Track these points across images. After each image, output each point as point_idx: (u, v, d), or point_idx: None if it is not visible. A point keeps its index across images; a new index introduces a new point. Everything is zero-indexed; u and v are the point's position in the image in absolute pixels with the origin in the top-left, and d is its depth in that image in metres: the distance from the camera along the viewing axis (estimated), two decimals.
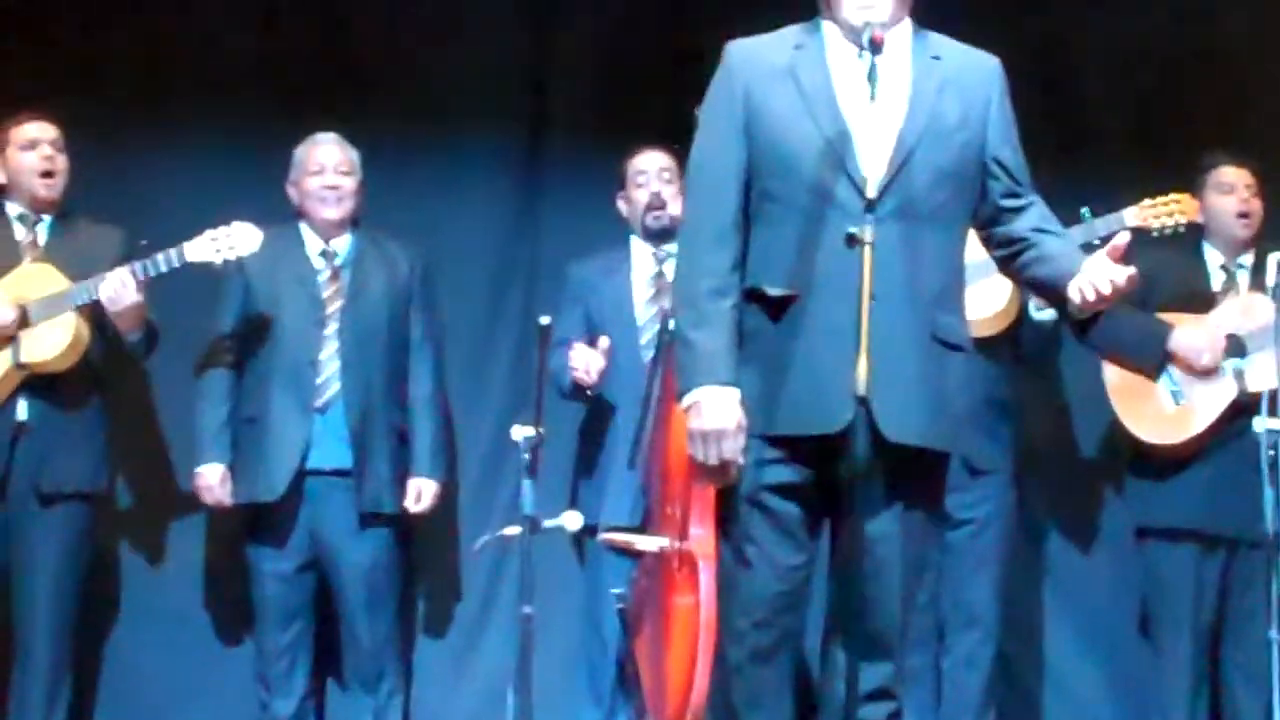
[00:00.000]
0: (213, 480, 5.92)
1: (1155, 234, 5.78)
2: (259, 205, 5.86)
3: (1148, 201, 5.78)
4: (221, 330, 5.98)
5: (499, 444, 6.06)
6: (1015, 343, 5.97)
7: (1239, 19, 6.59)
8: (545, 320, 5.25)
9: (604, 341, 5.76)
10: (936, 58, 3.89)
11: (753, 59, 3.90)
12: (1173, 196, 5.81)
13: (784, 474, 3.79)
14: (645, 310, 5.87)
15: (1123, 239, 3.75)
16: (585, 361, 5.73)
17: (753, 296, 3.81)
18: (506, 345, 6.54)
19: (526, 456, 5.12)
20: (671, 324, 4.41)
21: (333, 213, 5.99)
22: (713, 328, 3.77)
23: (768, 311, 3.79)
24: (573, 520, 5.25)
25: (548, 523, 5.15)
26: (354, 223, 6.09)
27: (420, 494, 6.00)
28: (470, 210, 6.58)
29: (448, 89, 6.56)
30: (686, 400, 3.76)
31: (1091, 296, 3.73)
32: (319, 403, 5.88)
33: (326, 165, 6.02)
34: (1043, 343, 5.99)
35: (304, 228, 6.05)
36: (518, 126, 6.68)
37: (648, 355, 5.67)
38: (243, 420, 5.93)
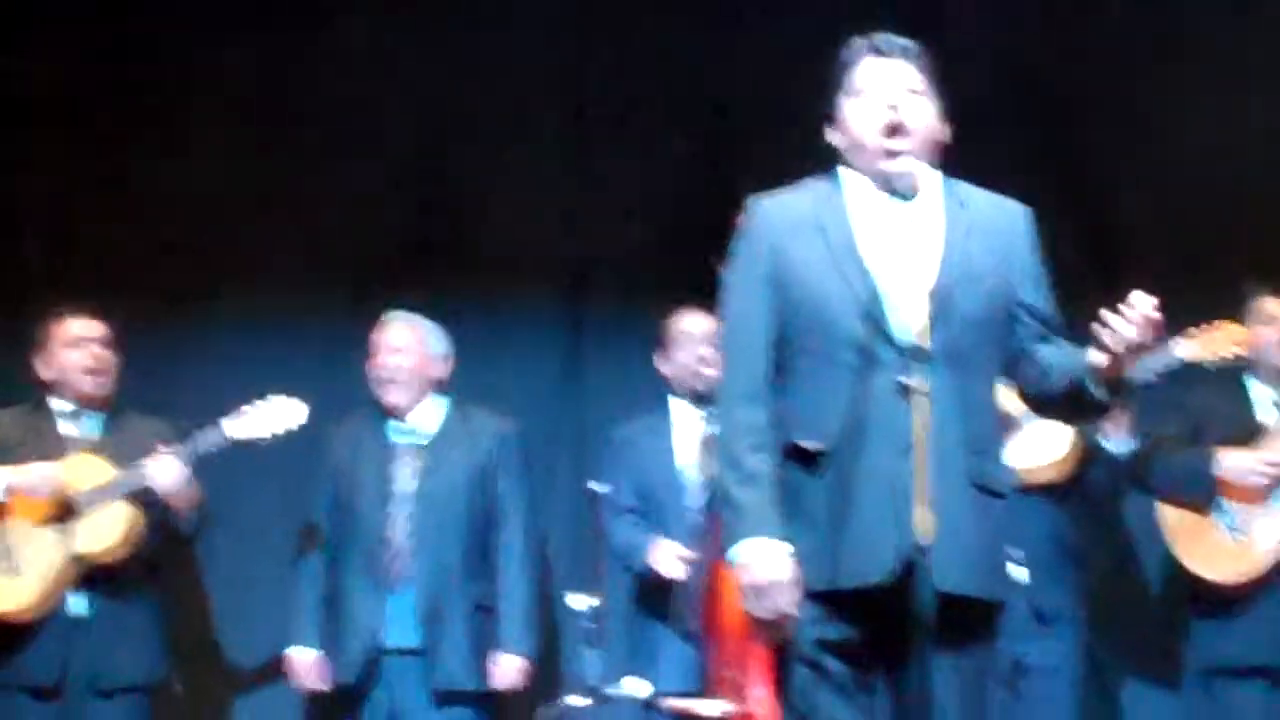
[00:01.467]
0: (300, 666, 5.95)
1: (1207, 364, 5.67)
2: (314, 385, 5.91)
3: (1195, 331, 5.63)
4: (313, 514, 6.04)
5: (556, 611, 6.03)
6: (1080, 487, 5.93)
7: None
8: (597, 487, 5.24)
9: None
10: (964, 205, 3.89)
11: (778, 214, 3.90)
12: (1222, 325, 5.66)
13: (837, 631, 3.73)
14: (689, 471, 5.86)
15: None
16: (670, 560, 5.75)
17: (792, 452, 3.78)
18: (560, 510, 6.53)
19: (589, 625, 5.09)
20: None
21: (390, 395, 6.02)
22: (756, 484, 3.74)
23: (808, 466, 3.76)
24: (639, 687, 5.21)
25: (611, 691, 5.11)
26: (445, 393, 6.10)
27: (506, 669, 5.96)
28: (515, 375, 6.64)
29: (493, 253, 6.65)
30: (736, 556, 3.73)
31: (1113, 339, 3.62)
32: (391, 581, 5.88)
33: (385, 345, 6.06)
34: (1110, 483, 5.93)
35: (383, 411, 6.09)
36: (559, 290, 6.77)
37: (694, 516, 5.65)
38: (328, 605, 5.98)
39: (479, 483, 6.02)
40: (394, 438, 6.05)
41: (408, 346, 6.07)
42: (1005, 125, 6.47)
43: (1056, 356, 3.84)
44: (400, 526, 5.93)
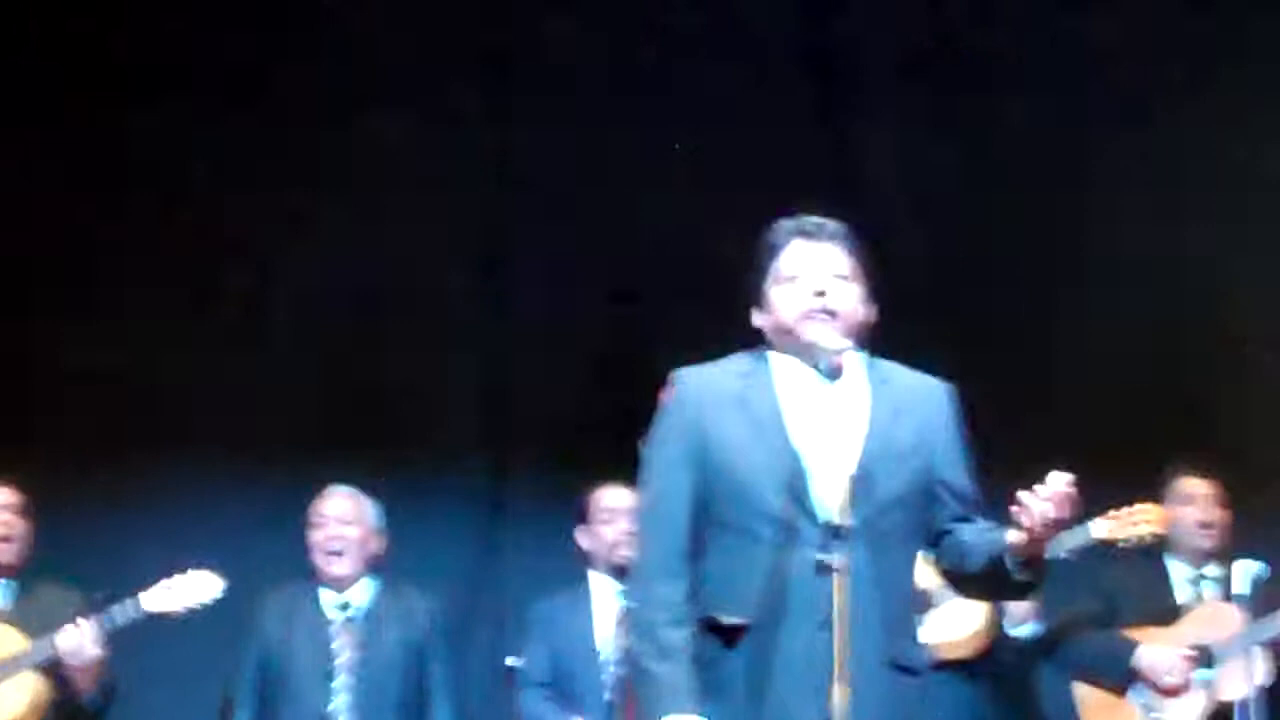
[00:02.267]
0: None
1: (1122, 544, 5.70)
2: (230, 558, 5.84)
3: (1114, 513, 5.67)
4: (238, 688, 5.94)
5: None
6: (993, 663, 5.92)
7: (1200, 334, 6.72)
8: (515, 662, 5.20)
9: None
10: (887, 383, 3.90)
11: (703, 388, 3.90)
12: (1140, 507, 5.71)
13: None
14: (608, 647, 5.83)
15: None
16: None
17: (709, 626, 3.76)
18: (478, 686, 6.46)
19: None
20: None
21: (334, 567, 5.98)
22: (673, 659, 3.71)
23: (725, 641, 3.74)
24: None
25: None
26: (376, 570, 6.06)
27: None
28: (435, 552, 6.61)
29: (416, 431, 6.65)
30: None
31: (1030, 518, 3.60)
32: None
33: (330, 517, 6.03)
34: (1019, 660, 5.94)
35: (319, 582, 6.03)
36: (480, 466, 6.75)
37: (609, 692, 5.62)
38: None
39: (413, 659, 5.98)
40: (329, 612, 5.99)
41: (355, 519, 6.05)
42: (925, 298, 6.56)
43: (975, 535, 3.83)
44: (340, 701, 5.86)
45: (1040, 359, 6.86)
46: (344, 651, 5.92)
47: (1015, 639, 5.85)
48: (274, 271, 6.90)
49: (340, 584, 5.99)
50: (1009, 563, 3.72)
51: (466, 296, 7.00)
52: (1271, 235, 6.83)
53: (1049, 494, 3.60)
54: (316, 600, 6.01)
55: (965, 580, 3.93)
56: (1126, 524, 5.67)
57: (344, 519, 6.02)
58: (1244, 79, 6.88)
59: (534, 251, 6.97)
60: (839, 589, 3.56)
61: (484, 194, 7.01)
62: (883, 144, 7.04)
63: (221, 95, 6.80)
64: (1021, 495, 3.63)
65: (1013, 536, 3.69)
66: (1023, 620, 5.77)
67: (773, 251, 3.94)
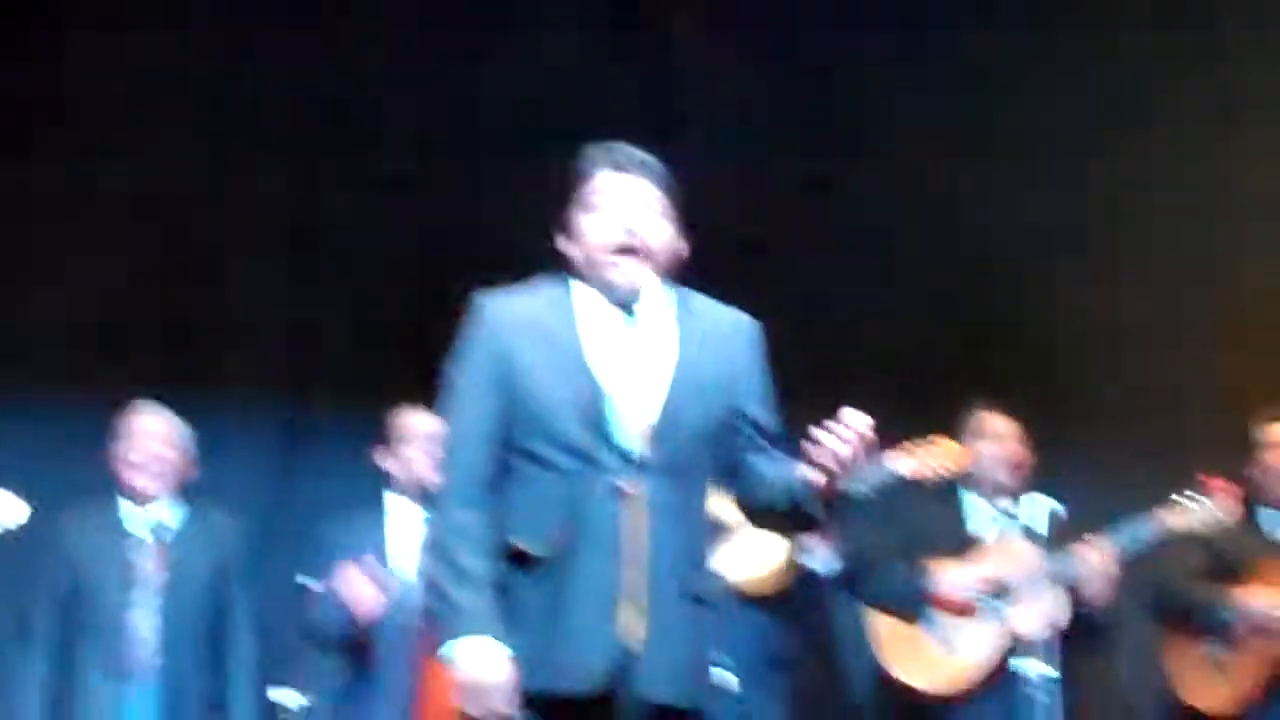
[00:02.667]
0: None
1: (927, 482, 5.74)
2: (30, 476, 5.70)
3: (913, 448, 5.71)
4: (39, 604, 5.86)
5: (264, 710, 5.90)
6: (793, 599, 5.94)
7: (1006, 271, 6.79)
8: (307, 581, 5.15)
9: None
10: (695, 316, 3.89)
11: (506, 314, 3.87)
12: (939, 442, 5.76)
13: None
14: (403, 569, 5.78)
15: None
16: (359, 595, 5.61)
17: (511, 554, 3.75)
18: (271, 608, 6.39)
19: None
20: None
21: (147, 483, 5.91)
22: (473, 585, 3.70)
23: (526, 569, 3.73)
24: None
25: None
26: (183, 490, 6.01)
27: None
28: (231, 471, 6.52)
29: (216, 353, 6.63)
30: (453, 656, 3.68)
31: (825, 456, 3.62)
32: (132, 672, 5.73)
33: (145, 434, 5.96)
34: (816, 599, 5.97)
35: (123, 499, 5.95)
36: (279, 386, 6.69)
37: (406, 616, 5.56)
38: (61, 695, 5.79)
39: (219, 580, 5.96)
40: (133, 529, 5.92)
41: (166, 436, 6.00)
42: (736, 235, 6.55)
43: (772, 469, 3.85)
44: (144, 618, 5.78)
45: (846, 297, 6.90)
46: (150, 569, 5.84)
47: (814, 573, 5.87)
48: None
49: (146, 500, 5.92)
50: (803, 497, 3.74)
51: (274, 208, 6.91)
52: (1070, 173, 6.93)
53: (844, 433, 3.62)
54: (121, 519, 5.94)
55: (758, 513, 3.95)
56: (925, 460, 5.71)
57: (154, 435, 5.97)
58: None
59: (337, 174, 6.96)
60: (636, 518, 3.57)
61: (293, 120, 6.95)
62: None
63: None
64: (817, 433, 3.64)
65: (808, 472, 3.70)
66: (821, 556, 5.80)
67: (582, 179, 3.90)
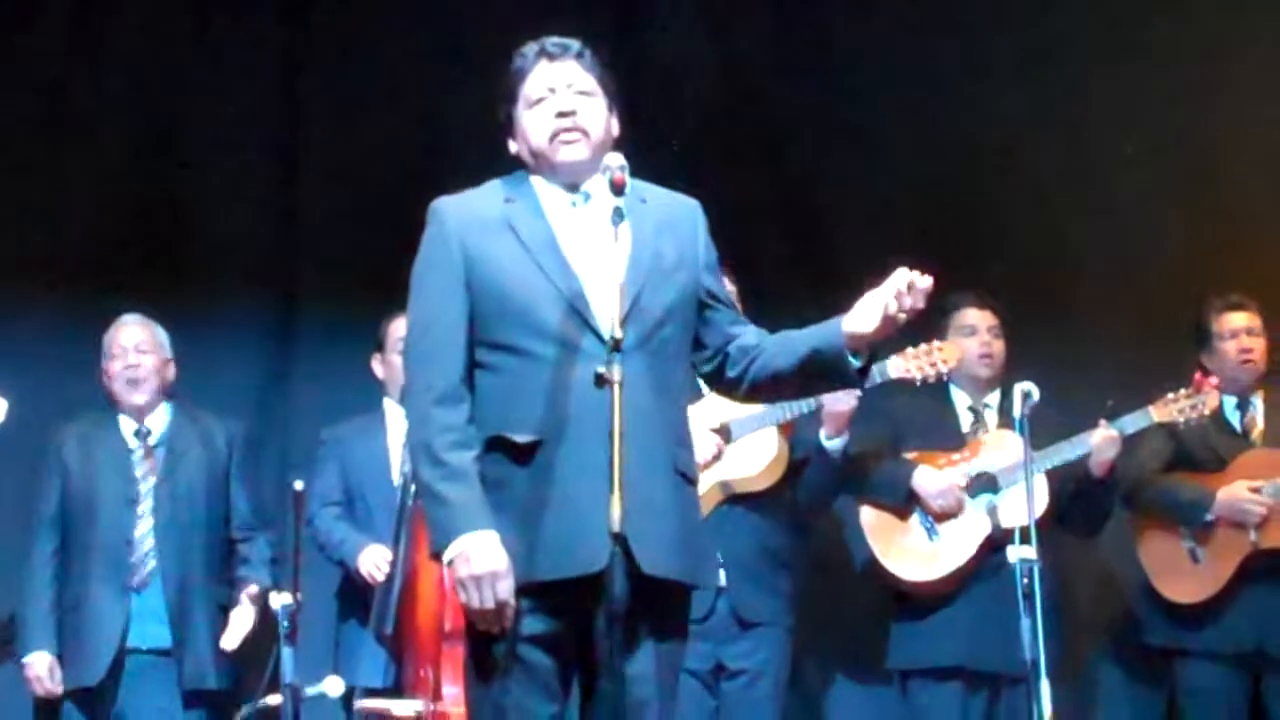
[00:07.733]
0: (41, 670, 5.81)
1: (918, 383, 5.72)
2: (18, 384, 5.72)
3: (909, 350, 5.66)
4: (41, 519, 5.92)
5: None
6: (789, 494, 5.98)
7: (985, 164, 6.83)
8: (299, 485, 5.19)
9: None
10: (644, 201, 3.93)
11: (465, 213, 3.92)
12: (934, 345, 5.71)
13: (539, 625, 3.75)
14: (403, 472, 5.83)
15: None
16: (377, 565, 5.74)
17: (496, 445, 3.79)
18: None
19: (285, 624, 5.03)
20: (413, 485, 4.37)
21: (134, 395, 5.97)
22: (462, 480, 3.74)
23: (514, 459, 3.77)
24: (334, 686, 5.18)
25: (309, 690, 5.05)
26: (170, 397, 6.05)
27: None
28: (223, 376, 6.59)
29: (207, 258, 6.65)
30: (450, 551, 3.71)
31: (882, 311, 3.71)
32: (136, 581, 5.81)
33: (127, 347, 6.01)
34: (827, 482, 5.97)
35: (121, 414, 6.01)
36: (269, 292, 6.71)
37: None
38: (66, 607, 5.86)
39: (217, 484, 6.01)
40: (130, 439, 5.99)
41: (151, 347, 6.05)
42: (719, 127, 6.59)
43: (784, 336, 3.92)
44: (144, 527, 5.86)
45: (826, 185, 6.94)
46: (147, 478, 5.94)
47: (828, 453, 5.87)
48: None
49: (140, 412, 6.00)
50: (846, 352, 3.79)
51: (262, 121, 6.95)
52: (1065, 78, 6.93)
53: (918, 285, 3.70)
54: (117, 429, 6.01)
55: (771, 379, 3.96)
56: (923, 361, 5.70)
57: (140, 348, 6.03)
58: None
59: (329, 81, 6.96)
60: (618, 400, 3.59)
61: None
62: None
63: None
64: (894, 286, 3.71)
65: (858, 325, 3.75)
66: (837, 433, 5.81)
67: (519, 76, 3.97)
